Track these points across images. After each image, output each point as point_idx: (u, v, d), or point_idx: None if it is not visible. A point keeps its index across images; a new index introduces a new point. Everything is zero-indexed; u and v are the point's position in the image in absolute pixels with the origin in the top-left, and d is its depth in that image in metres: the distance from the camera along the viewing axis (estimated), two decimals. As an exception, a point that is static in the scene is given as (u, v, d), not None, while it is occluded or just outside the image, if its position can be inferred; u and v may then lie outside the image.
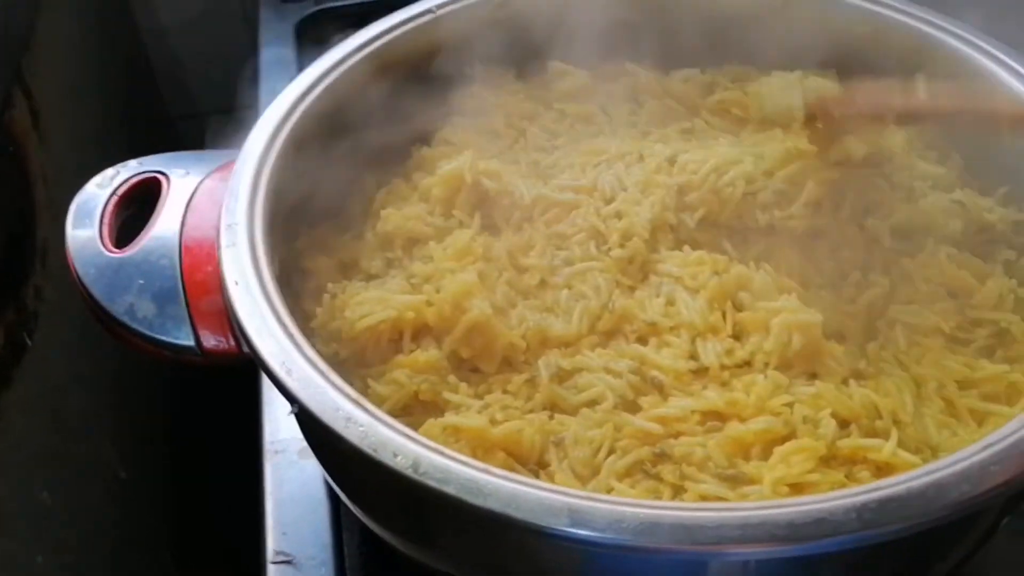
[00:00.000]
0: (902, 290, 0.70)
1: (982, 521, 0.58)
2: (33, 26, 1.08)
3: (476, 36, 0.85)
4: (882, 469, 0.59)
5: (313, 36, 1.33)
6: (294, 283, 0.74)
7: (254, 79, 1.27)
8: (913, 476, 0.49)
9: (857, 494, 0.48)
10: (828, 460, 0.59)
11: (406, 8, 0.85)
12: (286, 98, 0.76)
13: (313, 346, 0.58)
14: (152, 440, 1.26)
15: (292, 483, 0.80)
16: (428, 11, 0.85)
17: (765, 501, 0.49)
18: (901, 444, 0.60)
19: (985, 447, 0.50)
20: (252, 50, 1.34)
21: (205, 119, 1.62)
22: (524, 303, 0.69)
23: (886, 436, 0.60)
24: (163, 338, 0.64)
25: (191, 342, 0.64)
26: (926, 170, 0.75)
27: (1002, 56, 0.75)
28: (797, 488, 0.57)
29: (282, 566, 0.76)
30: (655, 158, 0.75)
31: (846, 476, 0.58)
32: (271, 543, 0.77)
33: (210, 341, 0.65)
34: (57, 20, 1.16)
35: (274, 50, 1.31)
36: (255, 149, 0.71)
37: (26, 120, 1.03)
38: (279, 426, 0.83)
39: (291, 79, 0.79)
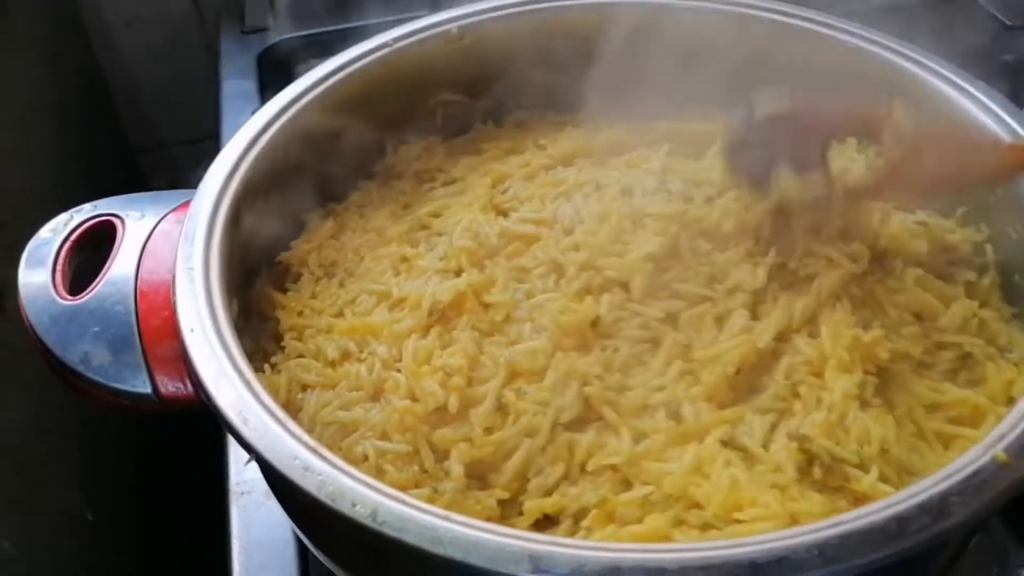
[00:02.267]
0: (874, 318, 0.69)
1: (950, 546, 0.58)
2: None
3: (433, 69, 0.85)
4: (860, 499, 0.58)
5: (275, 66, 1.33)
6: (253, 325, 0.74)
7: (217, 111, 1.27)
8: (874, 509, 0.49)
9: (818, 530, 0.48)
10: (814, 483, 0.58)
11: (363, 43, 0.85)
12: (243, 136, 0.76)
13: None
14: (121, 482, 1.24)
15: (259, 526, 0.79)
16: (385, 44, 0.84)
17: (727, 540, 0.48)
18: (883, 468, 0.59)
19: (946, 477, 0.50)
20: (216, 81, 1.33)
21: (170, 151, 1.61)
22: (490, 341, 0.68)
23: (871, 463, 0.59)
24: (119, 386, 0.63)
25: (148, 390, 0.63)
26: (886, 192, 0.75)
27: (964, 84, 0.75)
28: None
29: (249, 611, 0.75)
30: (612, 187, 0.75)
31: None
32: (238, 588, 0.76)
33: (168, 388, 0.64)
34: (8, 58, 1.15)
35: (236, 82, 1.30)
36: (211, 189, 0.71)
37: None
38: (245, 467, 0.81)
39: (253, 110, 0.78)
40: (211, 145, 1.12)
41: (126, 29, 1.49)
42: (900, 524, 0.48)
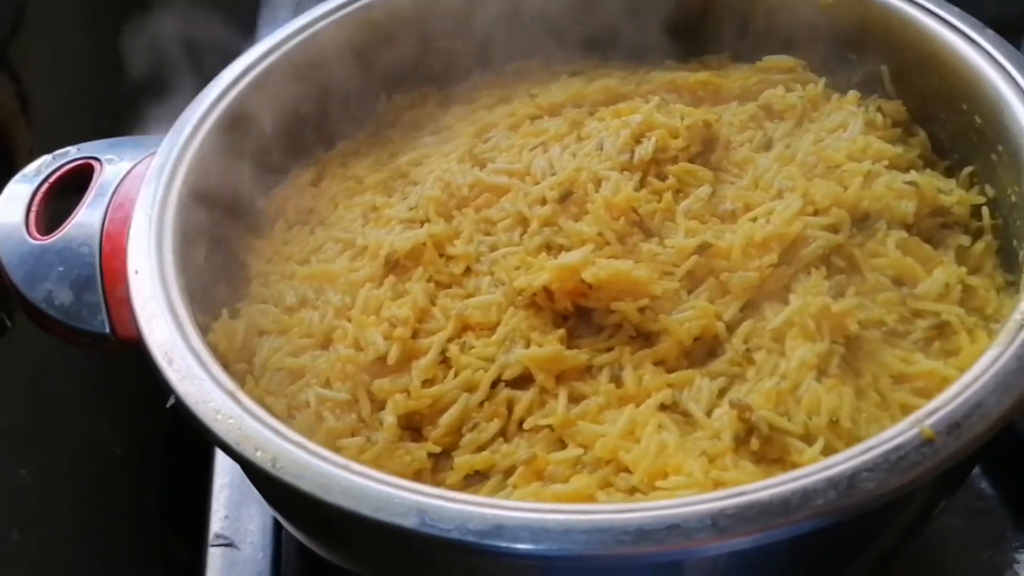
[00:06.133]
0: (850, 283, 0.65)
1: (886, 523, 0.55)
2: (23, 9, 1.10)
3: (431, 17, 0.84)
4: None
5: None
6: (231, 269, 0.74)
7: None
8: (781, 480, 0.46)
9: (716, 499, 0.45)
10: (752, 454, 0.56)
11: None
12: (222, 79, 0.76)
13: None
14: (150, 416, 1.28)
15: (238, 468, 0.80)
16: (377, -9, 0.83)
17: (618, 504, 0.47)
18: (831, 440, 0.56)
19: (863, 451, 0.47)
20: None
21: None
22: (447, 293, 0.67)
23: (817, 435, 0.56)
24: (78, 326, 0.65)
25: (106, 330, 0.64)
26: (882, 149, 0.71)
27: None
28: None
29: (222, 548, 0.77)
30: (591, 140, 0.72)
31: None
32: (213, 526, 0.78)
33: (127, 328, 0.65)
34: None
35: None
36: (181, 132, 0.71)
37: (13, 105, 1.05)
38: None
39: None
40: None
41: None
42: (803, 498, 0.45)
